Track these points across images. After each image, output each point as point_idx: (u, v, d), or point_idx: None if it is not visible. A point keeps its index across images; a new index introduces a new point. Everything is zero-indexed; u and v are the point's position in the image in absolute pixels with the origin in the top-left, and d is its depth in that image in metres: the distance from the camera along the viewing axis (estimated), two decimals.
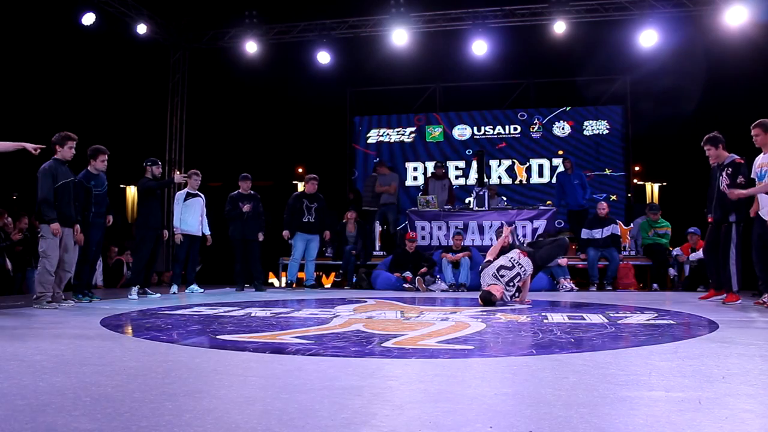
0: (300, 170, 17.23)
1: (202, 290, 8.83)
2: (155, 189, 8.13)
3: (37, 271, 6.26)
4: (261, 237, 9.42)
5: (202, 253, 12.36)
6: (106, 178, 7.28)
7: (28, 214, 9.54)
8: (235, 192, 9.40)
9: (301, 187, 10.76)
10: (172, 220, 8.89)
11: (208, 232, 9.00)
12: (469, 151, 14.06)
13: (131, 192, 17.42)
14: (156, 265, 9.03)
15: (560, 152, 11.79)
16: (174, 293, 8.49)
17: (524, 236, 10.32)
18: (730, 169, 6.53)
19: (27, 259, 9.33)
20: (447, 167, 13.21)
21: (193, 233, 8.78)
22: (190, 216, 8.75)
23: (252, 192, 9.45)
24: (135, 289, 7.72)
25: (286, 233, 9.63)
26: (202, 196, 9.05)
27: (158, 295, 8.03)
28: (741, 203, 6.49)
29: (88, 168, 7.11)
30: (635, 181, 16.24)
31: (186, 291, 8.71)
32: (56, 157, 6.26)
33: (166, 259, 11.74)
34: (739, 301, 6.53)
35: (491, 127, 14.22)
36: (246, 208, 9.18)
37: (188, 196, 8.83)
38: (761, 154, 6.35)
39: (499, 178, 14.00)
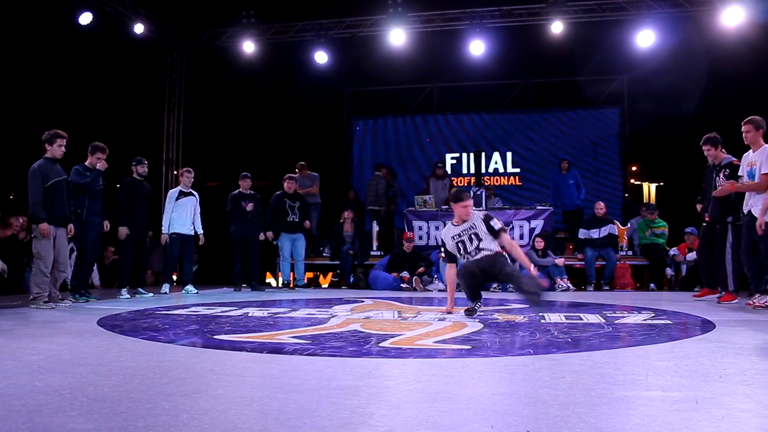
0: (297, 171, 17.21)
1: (196, 291, 8.79)
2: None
3: (32, 272, 6.22)
4: (262, 237, 9.41)
5: (199, 253, 12.36)
6: (102, 177, 7.25)
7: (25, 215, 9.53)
8: (236, 191, 9.34)
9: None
10: (163, 220, 8.71)
11: (200, 231, 8.83)
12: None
13: None
14: (152, 264, 8.99)
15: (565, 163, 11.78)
16: (165, 293, 8.43)
17: (521, 236, 10.34)
18: (727, 170, 6.62)
19: (24, 259, 9.30)
20: (448, 171, 13.22)
21: (185, 233, 8.66)
22: (182, 215, 8.64)
23: (252, 192, 9.42)
24: (125, 290, 7.68)
25: (270, 234, 9.58)
26: (196, 194, 8.92)
27: (151, 294, 7.99)
28: (738, 204, 6.52)
29: (86, 162, 7.09)
30: (632, 181, 16.26)
31: (182, 291, 8.67)
32: (46, 156, 6.19)
33: (163, 259, 11.71)
34: (736, 301, 6.55)
35: (489, 127, 14.24)
36: (249, 207, 9.15)
37: (181, 194, 8.71)
38: (750, 152, 6.37)
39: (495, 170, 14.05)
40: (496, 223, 5.43)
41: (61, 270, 6.36)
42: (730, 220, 6.62)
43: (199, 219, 8.85)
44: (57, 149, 6.20)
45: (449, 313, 5.43)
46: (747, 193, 6.32)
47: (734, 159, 6.71)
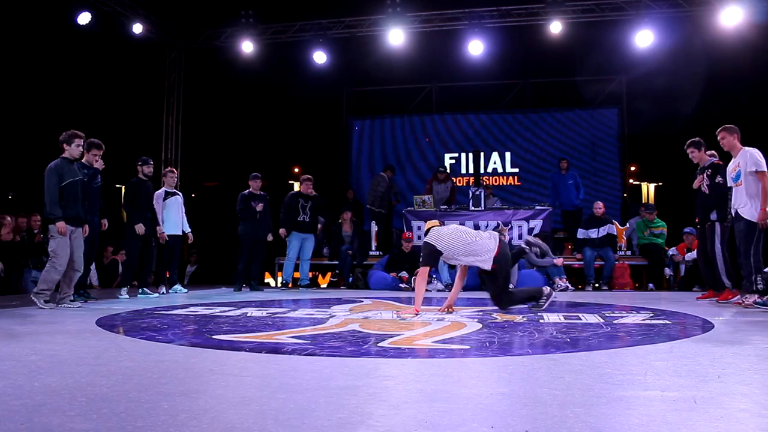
0: (296, 170, 17.24)
1: (185, 291, 8.80)
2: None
3: (45, 269, 6.19)
4: (270, 237, 9.43)
5: (198, 253, 12.36)
6: (100, 175, 7.22)
7: (25, 215, 9.52)
8: (246, 191, 9.36)
9: (297, 187, 10.74)
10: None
11: (188, 230, 8.91)
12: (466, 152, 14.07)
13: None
14: (153, 264, 8.96)
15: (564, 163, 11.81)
16: (163, 293, 8.48)
17: (520, 236, 10.34)
18: (710, 170, 6.78)
19: (24, 259, 9.29)
20: (449, 171, 13.22)
21: (176, 232, 8.70)
22: (172, 215, 8.66)
23: (262, 192, 9.43)
24: (125, 290, 7.68)
25: (282, 231, 9.62)
26: (180, 194, 9.04)
27: (156, 295, 8.04)
28: (721, 201, 6.61)
29: (82, 160, 7.05)
30: (631, 181, 16.28)
31: (170, 291, 8.69)
32: (64, 155, 6.23)
33: (157, 260, 11.71)
34: (736, 298, 6.56)
35: (487, 127, 14.27)
36: (259, 207, 9.17)
37: (167, 194, 8.73)
38: (732, 159, 6.48)
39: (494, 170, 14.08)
40: None
41: (76, 269, 6.30)
42: (715, 218, 6.74)
43: (185, 218, 8.92)
44: (75, 149, 6.25)
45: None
46: (735, 194, 6.36)
47: (716, 159, 6.91)
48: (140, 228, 7.74)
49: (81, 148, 6.34)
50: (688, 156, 7.09)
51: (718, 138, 6.46)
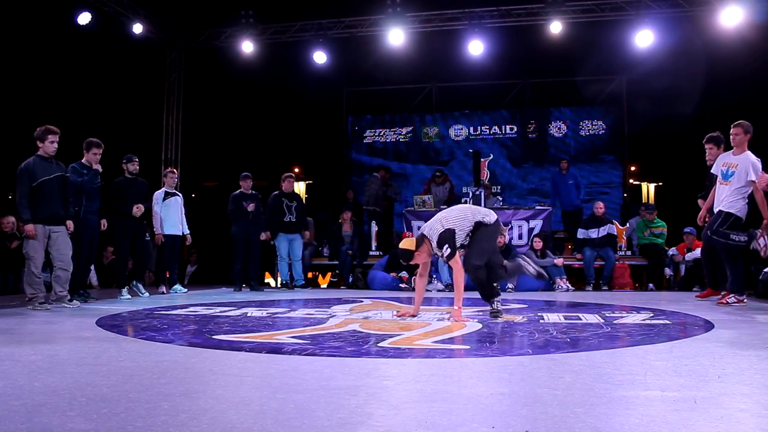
0: (296, 170, 17.24)
1: (185, 290, 8.80)
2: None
3: (25, 273, 6.14)
4: (263, 236, 9.41)
5: (198, 254, 12.37)
6: (99, 175, 7.19)
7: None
8: (237, 191, 9.33)
9: (298, 187, 10.72)
10: (153, 221, 8.59)
11: (187, 232, 8.91)
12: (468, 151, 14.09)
13: None
14: (151, 263, 8.97)
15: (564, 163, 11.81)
16: (163, 293, 8.50)
17: (520, 236, 10.35)
18: None
19: (21, 260, 9.30)
20: (447, 174, 13.22)
21: (175, 233, 8.70)
22: (171, 215, 8.66)
23: (253, 191, 9.41)
24: (125, 290, 7.66)
25: (267, 234, 9.59)
26: (180, 195, 9.04)
27: (147, 294, 8.01)
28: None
29: (82, 160, 7.00)
30: (631, 181, 16.29)
31: (170, 291, 8.69)
32: (38, 153, 6.08)
33: (157, 260, 11.72)
34: (744, 301, 6.56)
35: (487, 127, 14.27)
36: (250, 207, 9.15)
37: (167, 195, 8.73)
38: (729, 153, 6.47)
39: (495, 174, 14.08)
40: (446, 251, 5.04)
41: (63, 268, 6.19)
42: None
43: (185, 219, 8.91)
44: (49, 146, 6.06)
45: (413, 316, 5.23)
46: (719, 191, 6.38)
47: None
48: (137, 209, 7.66)
49: (55, 145, 6.11)
50: (697, 154, 7.04)
51: (732, 132, 6.41)
